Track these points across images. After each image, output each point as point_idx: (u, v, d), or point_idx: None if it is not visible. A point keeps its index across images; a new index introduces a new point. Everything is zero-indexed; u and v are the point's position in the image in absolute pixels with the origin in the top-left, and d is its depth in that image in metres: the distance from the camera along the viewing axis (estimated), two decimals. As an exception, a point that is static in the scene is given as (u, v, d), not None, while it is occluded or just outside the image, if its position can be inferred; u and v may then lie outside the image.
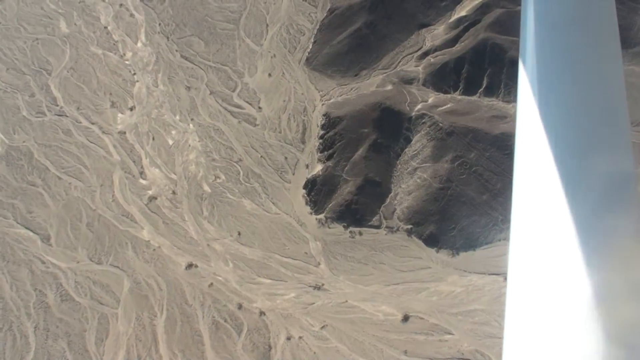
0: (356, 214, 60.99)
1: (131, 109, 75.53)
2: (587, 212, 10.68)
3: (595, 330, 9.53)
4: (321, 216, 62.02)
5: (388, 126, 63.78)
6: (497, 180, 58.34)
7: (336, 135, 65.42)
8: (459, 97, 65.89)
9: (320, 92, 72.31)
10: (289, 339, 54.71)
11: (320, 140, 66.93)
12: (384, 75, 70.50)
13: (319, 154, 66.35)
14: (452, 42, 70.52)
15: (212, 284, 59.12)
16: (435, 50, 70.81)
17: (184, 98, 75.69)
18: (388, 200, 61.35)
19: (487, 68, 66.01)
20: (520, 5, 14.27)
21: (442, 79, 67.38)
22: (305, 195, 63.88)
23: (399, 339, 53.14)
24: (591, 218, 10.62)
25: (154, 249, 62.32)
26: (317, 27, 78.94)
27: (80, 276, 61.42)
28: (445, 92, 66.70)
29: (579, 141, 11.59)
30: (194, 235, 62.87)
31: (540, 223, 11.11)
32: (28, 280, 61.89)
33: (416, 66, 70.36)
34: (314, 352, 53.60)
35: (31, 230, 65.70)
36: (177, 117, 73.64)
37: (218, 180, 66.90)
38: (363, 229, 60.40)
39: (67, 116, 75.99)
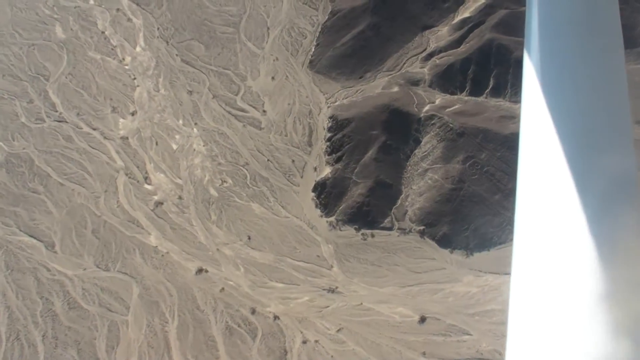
0: (367, 216, 60.64)
1: (133, 114, 74.64)
2: (589, 211, 10.63)
3: (601, 327, 9.48)
4: (332, 219, 61.58)
5: (397, 128, 63.64)
6: (508, 180, 58.34)
7: (344, 137, 65.12)
8: (466, 98, 65.95)
9: (325, 95, 72.01)
10: (304, 342, 54.10)
11: (328, 143, 66.59)
12: (389, 77, 70.45)
13: (326, 157, 65.98)
14: (456, 43, 70.66)
15: (223, 288, 58.36)
16: (440, 51, 70.92)
17: (186, 102, 74.98)
18: (399, 201, 61.11)
19: (493, 69, 66.20)
20: (523, 5, 14.43)
21: (448, 80, 67.44)
22: (315, 198, 63.42)
23: (417, 340, 52.77)
24: (593, 216, 10.57)
25: (163, 255, 61.46)
26: (319, 29, 78.79)
27: (87, 283, 60.35)
28: (452, 94, 66.75)
29: (580, 140, 11.60)
30: (203, 240, 62.09)
31: (544, 220, 11.10)
32: (34, 289, 60.68)
33: (421, 68, 70.38)
34: (331, 356, 53.04)
35: (35, 238, 64.49)
36: (180, 122, 72.88)
37: (225, 185, 66.20)
38: (375, 231, 60.05)
39: (67, 122, 74.87)
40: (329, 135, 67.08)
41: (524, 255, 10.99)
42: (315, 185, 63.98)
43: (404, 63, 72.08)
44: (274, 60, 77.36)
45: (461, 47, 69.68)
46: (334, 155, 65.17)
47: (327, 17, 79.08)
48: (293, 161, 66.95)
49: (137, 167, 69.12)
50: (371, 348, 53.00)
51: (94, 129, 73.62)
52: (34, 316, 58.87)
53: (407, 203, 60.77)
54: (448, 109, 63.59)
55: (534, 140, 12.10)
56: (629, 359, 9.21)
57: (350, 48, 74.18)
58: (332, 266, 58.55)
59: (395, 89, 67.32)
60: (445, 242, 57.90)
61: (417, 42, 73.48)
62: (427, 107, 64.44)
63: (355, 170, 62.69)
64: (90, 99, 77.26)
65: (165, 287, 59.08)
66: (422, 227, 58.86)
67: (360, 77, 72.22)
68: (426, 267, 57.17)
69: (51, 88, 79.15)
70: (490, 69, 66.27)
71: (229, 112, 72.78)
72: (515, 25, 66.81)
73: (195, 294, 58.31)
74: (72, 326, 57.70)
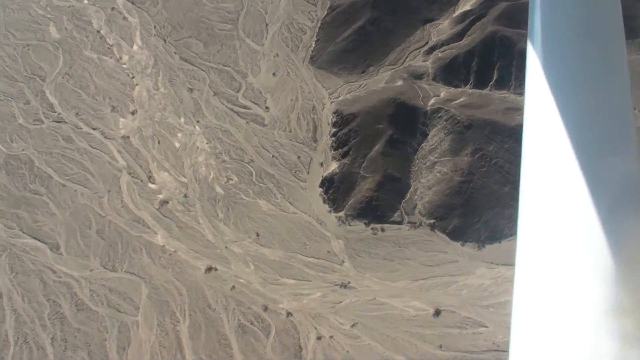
0: (377, 210, 60.42)
1: (133, 113, 73.80)
2: (590, 210, 10.63)
3: (606, 330, 9.44)
4: (341, 214, 61.31)
5: (403, 121, 63.46)
6: (517, 172, 58.12)
7: (350, 132, 64.85)
8: (470, 90, 65.92)
9: (328, 90, 71.65)
10: (319, 338, 53.78)
11: (333, 138, 66.31)
12: (392, 71, 70.27)
13: (332, 152, 65.68)
14: (458, 36, 70.62)
15: (234, 286, 57.88)
16: (442, 44, 70.82)
17: (187, 100, 74.28)
18: (408, 195, 60.95)
19: (496, 61, 66.23)
20: (525, -4, 14.57)
21: (452, 73, 67.37)
22: (323, 193, 63.09)
23: (433, 333, 52.67)
24: (595, 215, 10.55)
25: (170, 254, 60.83)
26: (319, 25, 78.41)
27: (95, 284, 59.59)
28: (456, 86, 66.69)
29: (581, 139, 11.58)
30: (211, 238, 61.52)
31: (548, 218, 11.15)
32: (40, 291, 59.82)
33: (424, 61, 70.24)
34: (347, 351, 52.78)
35: (39, 240, 63.55)
36: (182, 120, 72.18)
37: (230, 182, 65.65)
38: (385, 226, 59.87)
39: (66, 122, 73.86)
40: (334, 130, 66.79)
41: (528, 260, 10.99)
42: (322, 181, 63.63)
43: (406, 57, 71.93)
44: (274, 57, 76.87)
45: (463, 40, 69.64)
46: (340, 150, 64.89)
47: (326, 13, 78.74)
48: (299, 157, 66.55)
49: (140, 166, 68.36)
50: (387, 342, 52.82)
51: (94, 129, 72.71)
52: (41, 319, 58.04)
53: (416, 197, 60.62)
54: (454, 102, 63.50)
55: (538, 137, 12.18)
56: None
57: (351, 43, 73.90)
58: (343, 261, 58.25)
59: (399, 82, 67.13)
60: (456, 234, 57.84)
61: (418, 36, 73.36)
62: (432, 100, 64.31)
63: (363, 165, 62.43)
64: (89, 99, 76.29)
65: (175, 286, 58.48)
66: (432, 221, 58.75)
67: (363, 72, 71.94)
68: (438, 260, 57.07)
69: (48, 88, 78.06)
70: (493, 62, 66.28)
71: (231, 109, 72.20)
72: (517, 17, 66.85)
73: (206, 293, 57.77)
74: (81, 328, 56.96)
